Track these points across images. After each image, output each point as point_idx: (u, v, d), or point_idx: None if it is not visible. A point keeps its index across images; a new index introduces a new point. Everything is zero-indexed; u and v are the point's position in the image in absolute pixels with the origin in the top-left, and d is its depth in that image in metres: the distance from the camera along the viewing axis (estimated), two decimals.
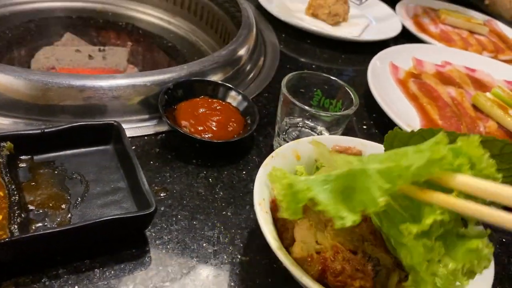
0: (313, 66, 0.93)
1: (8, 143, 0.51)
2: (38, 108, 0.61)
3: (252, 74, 0.84)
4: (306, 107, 0.61)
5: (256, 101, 0.77)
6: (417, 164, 0.34)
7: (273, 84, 0.83)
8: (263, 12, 1.05)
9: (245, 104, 0.70)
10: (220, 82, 0.71)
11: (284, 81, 0.63)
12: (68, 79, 0.62)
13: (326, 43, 1.00)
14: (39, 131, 0.53)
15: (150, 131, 0.65)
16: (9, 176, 0.48)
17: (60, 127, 0.54)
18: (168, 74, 0.68)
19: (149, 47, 1.09)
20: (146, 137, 0.64)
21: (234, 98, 0.70)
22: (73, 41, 1.00)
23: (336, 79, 0.67)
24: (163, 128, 0.66)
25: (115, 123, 0.57)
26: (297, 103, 0.62)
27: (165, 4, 1.10)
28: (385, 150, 0.49)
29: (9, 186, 0.48)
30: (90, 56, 0.93)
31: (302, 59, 0.94)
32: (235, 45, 0.80)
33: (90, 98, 0.63)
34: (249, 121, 0.67)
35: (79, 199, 0.51)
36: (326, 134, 0.67)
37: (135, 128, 0.65)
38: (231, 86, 0.71)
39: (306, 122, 0.68)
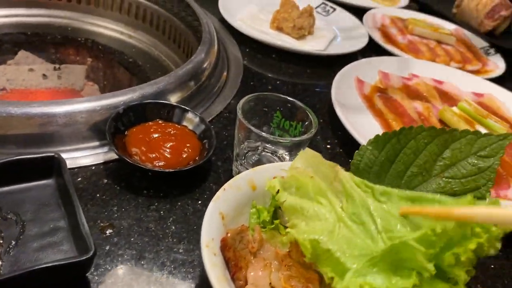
0: (278, 82, 0.90)
1: None
2: None
3: (214, 91, 0.80)
4: (263, 134, 0.58)
5: (216, 121, 0.74)
6: (449, 226, 0.37)
7: (235, 103, 0.79)
8: (227, 25, 1.02)
9: (202, 127, 0.66)
10: (174, 104, 0.68)
11: (240, 105, 0.60)
12: (7, 107, 0.57)
13: (292, 57, 0.97)
14: None
15: (99, 159, 0.61)
16: None
17: None
18: (119, 97, 0.65)
19: (110, 63, 1.04)
20: (93, 167, 0.60)
21: (190, 121, 0.67)
22: (27, 59, 0.95)
23: (294, 100, 0.64)
24: (113, 156, 0.62)
25: (56, 155, 0.53)
26: (253, 129, 0.59)
27: (126, 18, 1.06)
28: (352, 173, 0.48)
29: None
30: (44, 76, 0.88)
31: (267, 74, 0.92)
32: (194, 63, 0.77)
33: (35, 127, 0.59)
34: (206, 146, 0.64)
35: (13, 242, 0.47)
36: (287, 158, 0.64)
37: (83, 157, 0.61)
38: (186, 108, 0.68)
39: (266, 145, 0.64)
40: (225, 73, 0.87)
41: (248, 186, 0.52)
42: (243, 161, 0.64)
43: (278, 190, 0.46)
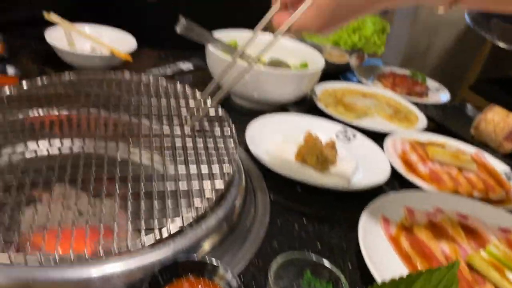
0: (304, 218, 0.92)
1: None
2: None
3: (245, 231, 0.82)
4: None
5: (246, 270, 0.75)
6: None
7: (264, 248, 0.81)
8: (250, 153, 1.07)
9: (234, 284, 0.67)
10: (205, 261, 0.70)
11: (271, 271, 0.62)
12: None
13: (317, 189, 1.00)
14: None
15: None
16: None
17: None
18: (153, 253, 0.67)
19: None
20: None
21: (221, 277, 0.68)
22: (62, 193, 0.99)
23: (324, 261, 0.65)
24: None
25: None
26: None
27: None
28: None
29: None
30: (80, 212, 0.92)
31: (293, 210, 0.94)
32: (227, 205, 0.80)
33: None
34: None
35: None
36: None
37: None
38: (217, 264, 0.69)
39: None
40: (253, 209, 0.90)
41: None
42: None
43: None
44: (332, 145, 1.08)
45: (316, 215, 0.94)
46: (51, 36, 1.32)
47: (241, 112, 1.34)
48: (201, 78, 1.49)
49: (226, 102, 1.34)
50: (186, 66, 1.53)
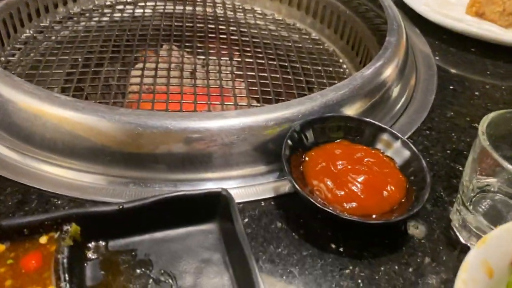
0: (487, 86, 0.66)
1: (73, 226, 0.35)
2: (124, 159, 0.45)
3: (401, 102, 0.61)
4: None
5: (413, 142, 0.54)
6: None
7: (434, 115, 0.59)
8: (405, 10, 0.81)
9: (406, 154, 0.47)
10: (366, 119, 0.50)
11: (484, 124, 0.40)
12: (160, 120, 0.45)
13: (499, 52, 0.73)
14: (116, 207, 0.36)
15: (269, 192, 0.46)
16: (71, 282, 0.32)
17: (146, 201, 0.37)
18: (295, 108, 0.48)
19: (261, 59, 0.90)
20: (263, 203, 0.45)
21: (387, 144, 0.48)
22: (171, 52, 0.85)
23: None
24: (285, 188, 0.46)
25: (223, 192, 0.38)
26: (504, 163, 0.38)
27: (284, 7, 0.90)
28: None
29: None
30: (191, 73, 0.77)
31: (469, 76, 0.69)
32: (382, 61, 0.58)
33: (191, 145, 0.46)
34: (413, 182, 0.45)
35: None
36: None
37: (246, 187, 0.47)
38: (382, 125, 0.49)
39: (502, 186, 0.44)
40: (414, 75, 0.66)
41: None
42: (469, 206, 0.44)
43: None
44: None
45: (504, 86, 0.67)
46: None
47: None
48: None
49: None
50: None
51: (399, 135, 0.48)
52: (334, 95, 0.51)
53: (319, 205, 0.40)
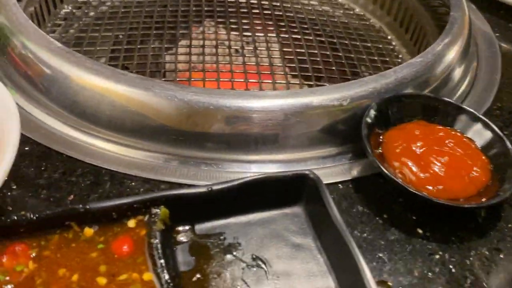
0: None
1: (163, 208, 0.34)
2: (196, 139, 0.44)
3: (467, 81, 0.58)
4: None
5: None
6: None
7: (502, 94, 0.56)
8: None
9: (487, 135, 0.45)
10: (444, 98, 0.48)
11: None
12: (218, 98, 0.43)
13: None
14: (205, 189, 0.35)
15: (343, 175, 0.44)
16: (168, 268, 0.31)
17: (234, 183, 0.35)
18: (370, 85, 0.46)
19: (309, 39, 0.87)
20: (340, 185, 0.43)
21: (466, 124, 0.46)
22: (213, 30, 0.82)
23: None
24: (363, 170, 0.44)
25: (310, 175, 0.37)
26: None
27: None
28: None
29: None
30: (237, 51, 0.74)
31: None
32: (450, 36, 0.55)
33: (264, 125, 0.44)
34: (496, 163, 0.43)
35: None
36: None
37: (319, 169, 0.45)
38: (460, 105, 0.47)
39: None
40: (475, 53, 0.64)
41: None
42: None
43: None
44: None
45: None
46: None
47: None
48: None
49: None
50: None
51: (480, 115, 0.46)
52: (408, 72, 0.48)
53: (411, 190, 0.38)
